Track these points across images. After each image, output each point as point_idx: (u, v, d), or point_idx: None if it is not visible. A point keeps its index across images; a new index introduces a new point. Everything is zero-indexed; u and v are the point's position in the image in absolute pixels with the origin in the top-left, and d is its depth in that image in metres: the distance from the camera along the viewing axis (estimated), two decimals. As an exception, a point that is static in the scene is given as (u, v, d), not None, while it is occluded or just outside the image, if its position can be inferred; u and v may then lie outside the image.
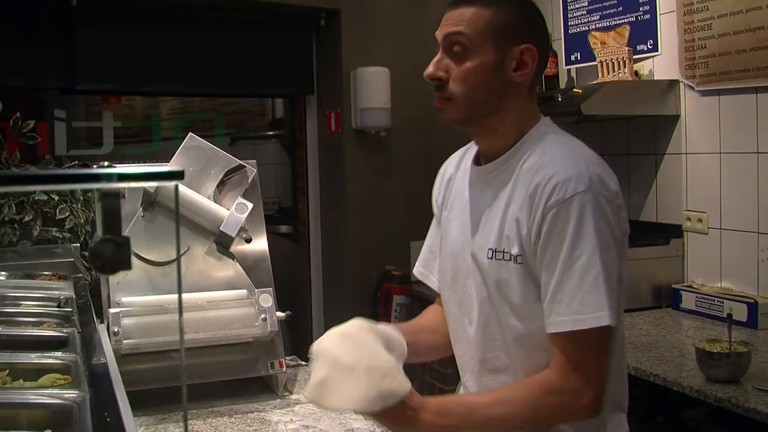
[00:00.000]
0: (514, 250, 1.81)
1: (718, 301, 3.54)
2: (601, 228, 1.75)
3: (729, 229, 3.71)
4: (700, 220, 3.83)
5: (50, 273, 2.92)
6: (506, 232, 1.84)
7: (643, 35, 4.10)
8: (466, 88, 1.86)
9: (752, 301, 3.41)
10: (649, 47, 4.07)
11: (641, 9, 4.12)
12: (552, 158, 1.83)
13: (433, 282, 2.24)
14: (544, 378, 1.78)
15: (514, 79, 1.87)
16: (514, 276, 1.82)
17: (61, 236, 3.51)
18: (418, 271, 2.32)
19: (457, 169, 2.14)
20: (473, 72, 1.85)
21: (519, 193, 1.83)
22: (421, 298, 4.50)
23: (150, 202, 2.70)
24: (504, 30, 1.86)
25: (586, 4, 4.47)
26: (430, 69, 1.91)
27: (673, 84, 3.91)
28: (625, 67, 3.94)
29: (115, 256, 0.88)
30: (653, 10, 4.05)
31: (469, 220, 1.96)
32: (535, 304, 1.80)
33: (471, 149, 2.11)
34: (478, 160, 2.02)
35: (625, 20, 4.18)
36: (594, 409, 1.77)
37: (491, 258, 1.86)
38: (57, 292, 2.57)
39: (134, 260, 2.53)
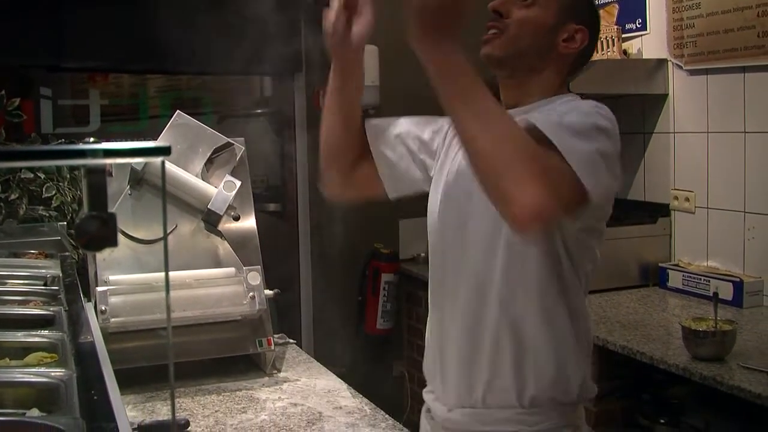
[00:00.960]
0: None
1: (704, 279, 3.56)
2: (606, 126, 1.85)
3: (716, 208, 3.72)
4: (687, 199, 3.85)
5: (37, 252, 2.91)
6: None
7: (632, 14, 4.10)
8: (519, 31, 1.92)
9: (738, 279, 3.43)
10: (638, 26, 4.07)
11: (630, -13, 4.13)
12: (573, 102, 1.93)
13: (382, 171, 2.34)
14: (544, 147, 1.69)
15: (559, 48, 1.94)
16: None
17: (47, 215, 3.50)
18: (367, 128, 2.40)
19: None
20: (532, 21, 1.91)
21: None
22: (409, 276, 4.52)
23: (137, 179, 2.70)
24: (568, 6, 1.95)
25: (575, -18, 4.46)
26: (495, 2, 1.97)
27: (661, 63, 3.92)
28: (613, 45, 3.94)
29: (100, 232, 0.87)
30: (642, -11, 4.05)
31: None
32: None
33: None
34: None
35: (614, -1, 4.19)
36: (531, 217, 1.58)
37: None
38: (43, 271, 2.56)
39: (121, 238, 2.53)
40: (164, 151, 0.84)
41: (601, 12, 4.08)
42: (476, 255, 1.91)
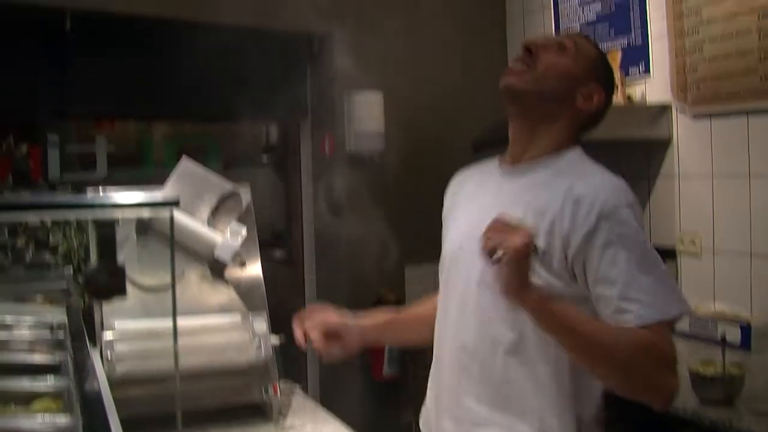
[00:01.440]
0: (540, 242, 1.82)
1: (711, 323, 3.54)
2: (647, 239, 1.87)
3: (722, 251, 3.72)
4: (693, 243, 3.84)
5: (43, 297, 2.91)
6: (528, 221, 1.84)
7: (636, 59, 4.12)
8: (546, 72, 1.98)
9: (746, 323, 3.41)
10: (641, 71, 4.10)
11: (633, 33, 4.15)
12: (597, 174, 1.97)
13: None
14: (647, 336, 1.76)
15: (577, 102, 2.00)
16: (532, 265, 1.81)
17: (54, 261, 3.50)
18: None
19: (469, 177, 2.29)
20: (560, 67, 1.98)
21: (554, 194, 1.88)
22: (415, 322, 4.50)
23: (144, 226, 2.71)
24: (594, 67, 2.03)
25: (579, 28, 4.50)
26: (530, 39, 2.05)
27: (665, 108, 3.93)
28: (617, 90, 3.95)
29: (110, 282, 0.88)
30: (645, 34, 4.08)
31: (491, 209, 1.91)
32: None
33: (489, 162, 2.22)
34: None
35: (617, 44, 4.21)
36: (672, 398, 1.81)
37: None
38: (49, 317, 2.55)
39: (128, 285, 2.53)
40: (172, 203, 0.85)
41: (605, 57, 4.10)
42: (484, 315, 1.96)
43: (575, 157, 2.01)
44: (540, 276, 1.81)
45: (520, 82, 1.98)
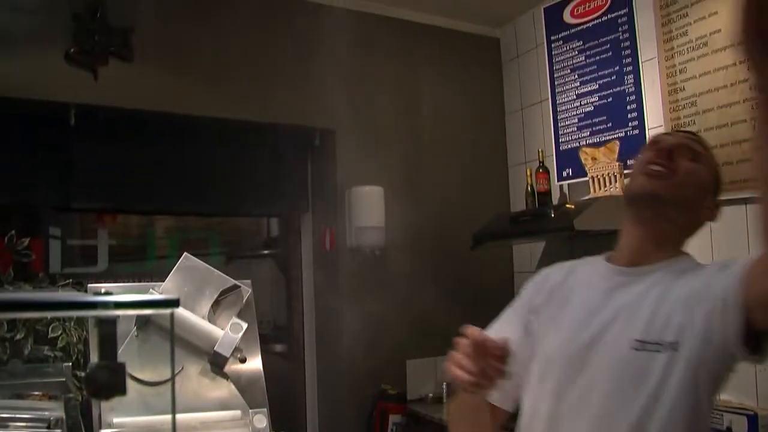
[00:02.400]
0: (669, 339, 1.76)
1: (717, 414, 3.50)
2: None
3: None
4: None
5: (40, 393, 2.89)
6: (658, 324, 1.79)
7: (633, 150, 4.14)
8: (686, 180, 1.92)
9: (752, 413, 3.38)
10: (639, 162, 4.12)
11: (630, 124, 4.19)
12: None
13: (492, 395, 2.07)
14: None
15: (701, 213, 1.98)
16: (661, 367, 1.75)
17: (52, 355, 3.49)
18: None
19: (567, 277, 2.14)
20: (698, 175, 1.94)
21: (678, 291, 1.82)
22: (417, 417, 4.45)
23: (144, 321, 2.70)
24: (717, 180, 2.01)
25: (577, 120, 4.55)
26: (670, 142, 1.98)
27: (663, 198, 3.94)
28: (616, 182, 3.98)
29: (110, 381, 0.88)
30: (642, 125, 4.12)
31: (604, 316, 1.89)
32: (679, 396, 1.74)
33: (584, 263, 2.17)
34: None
35: (615, 136, 4.25)
36: None
37: (638, 349, 1.79)
38: (47, 413, 2.54)
39: (127, 380, 2.52)
40: (173, 303, 0.85)
41: (602, 149, 4.14)
42: (606, 419, 1.83)
43: (692, 260, 1.97)
44: (665, 371, 1.75)
45: (663, 189, 1.91)
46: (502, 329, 2.12)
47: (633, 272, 1.95)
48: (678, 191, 1.90)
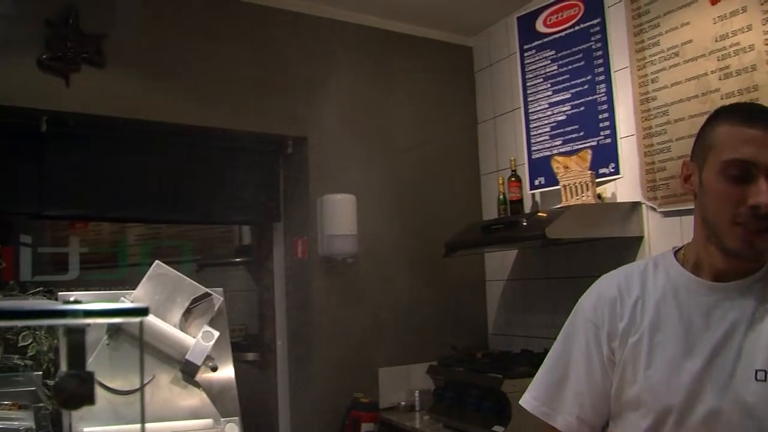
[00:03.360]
0: None
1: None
2: None
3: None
4: None
5: (10, 402, 2.86)
6: None
7: (605, 159, 4.17)
8: None
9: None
10: (611, 170, 4.14)
11: (602, 133, 4.21)
12: None
13: (559, 421, 2.00)
14: None
15: None
16: None
17: (23, 364, 3.46)
18: (539, 410, 2.05)
19: (643, 290, 1.95)
20: None
21: None
22: (390, 425, 4.45)
23: (116, 329, 2.68)
24: None
25: (549, 129, 4.57)
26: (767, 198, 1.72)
27: (635, 206, 3.97)
28: (588, 190, 3.99)
29: (79, 391, 0.87)
30: (614, 134, 4.14)
31: (711, 339, 1.79)
32: None
33: (652, 268, 1.99)
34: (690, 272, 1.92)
35: (587, 144, 4.27)
36: None
37: (764, 380, 1.69)
38: (17, 423, 2.51)
39: (97, 388, 2.50)
40: (142, 312, 0.85)
41: (575, 158, 4.16)
42: None
43: None
44: None
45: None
46: (581, 368, 2.00)
47: (730, 288, 1.83)
48: None
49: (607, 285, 2.03)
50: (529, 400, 2.07)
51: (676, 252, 1.97)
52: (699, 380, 1.77)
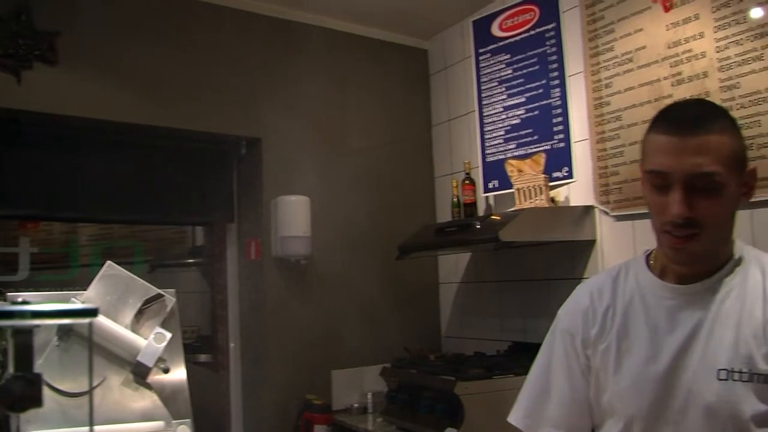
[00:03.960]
0: (762, 369, 1.69)
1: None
2: None
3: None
4: None
5: (-42, 406, 2.81)
6: (744, 351, 1.72)
7: (559, 163, 4.20)
8: (716, 223, 1.77)
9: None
10: (565, 174, 4.17)
11: (556, 137, 4.24)
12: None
13: None
14: None
15: (739, 203, 1.83)
16: (754, 396, 1.69)
17: (-30, 366, 3.40)
18: (523, 422, 2.09)
19: (614, 297, 2.00)
20: (724, 206, 1.78)
21: (754, 308, 1.76)
22: (342, 427, 4.44)
23: (66, 330, 2.65)
24: (740, 156, 1.80)
25: (503, 133, 4.59)
26: (679, 209, 1.75)
27: (588, 209, 4.00)
28: (541, 193, 4.02)
29: (26, 393, 0.85)
30: (567, 139, 4.17)
31: (675, 341, 1.82)
32: None
33: (623, 274, 2.03)
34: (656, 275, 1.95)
35: (541, 148, 4.29)
36: None
37: (726, 379, 1.72)
38: (-37, 427, 2.48)
39: (47, 391, 2.46)
40: (91, 313, 0.84)
41: (528, 161, 4.18)
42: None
43: (750, 254, 1.87)
44: (761, 400, 1.69)
45: (695, 249, 1.79)
46: (561, 378, 2.06)
47: (692, 290, 1.86)
48: (715, 236, 1.80)
49: (581, 294, 2.08)
50: (514, 414, 2.11)
51: (648, 256, 2.01)
52: (665, 383, 1.81)
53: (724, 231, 1.82)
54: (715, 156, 1.73)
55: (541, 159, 4.14)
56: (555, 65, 4.29)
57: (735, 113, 3.27)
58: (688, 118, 1.79)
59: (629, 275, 2.01)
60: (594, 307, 2.01)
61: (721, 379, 1.73)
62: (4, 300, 2.91)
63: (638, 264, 2.01)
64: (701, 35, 3.47)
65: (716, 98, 3.37)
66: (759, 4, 3.24)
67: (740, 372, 1.71)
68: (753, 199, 3.09)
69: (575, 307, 2.07)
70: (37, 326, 2.24)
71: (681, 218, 1.74)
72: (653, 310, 1.90)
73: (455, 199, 4.67)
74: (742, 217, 3.25)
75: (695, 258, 1.82)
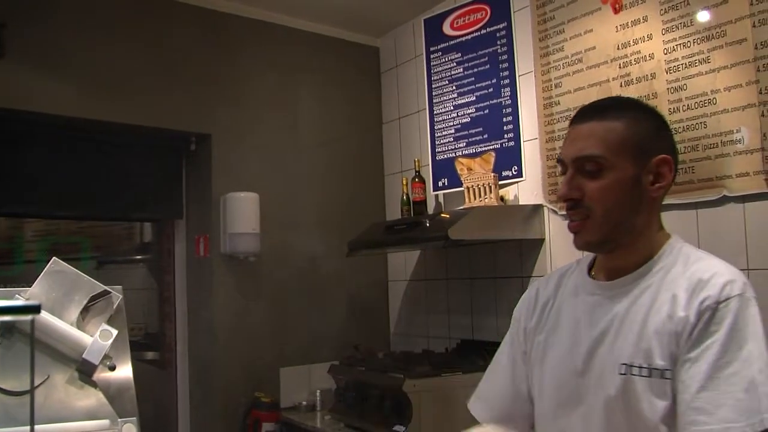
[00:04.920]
0: (659, 363, 1.71)
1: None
2: (756, 330, 1.66)
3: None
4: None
5: None
6: (644, 346, 1.74)
7: (508, 162, 4.22)
8: (604, 206, 1.81)
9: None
10: (514, 173, 4.19)
11: (506, 136, 4.26)
12: (698, 264, 1.79)
13: (477, 411, 2.14)
14: None
15: (651, 194, 1.84)
16: (652, 392, 1.71)
17: None
18: (471, 405, 2.17)
19: (556, 291, 2.06)
20: (610, 189, 1.81)
21: (663, 303, 1.76)
22: (291, 425, 4.43)
23: (8, 327, 2.61)
24: (641, 142, 1.82)
25: (453, 131, 4.60)
26: (563, 189, 1.86)
27: (537, 208, 4.03)
28: (491, 192, 4.03)
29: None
30: (517, 138, 4.19)
31: (590, 337, 1.86)
32: (672, 422, 1.69)
33: (574, 270, 2.07)
34: (591, 274, 1.99)
35: (491, 147, 4.31)
36: None
37: (625, 374, 1.75)
38: None
39: (-10, 389, 2.43)
40: (33, 310, 0.82)
41: (478, 160, 4.19)
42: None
43: (675, 249, 1.87)
44: (654, 396, 1.71)
45: (591, 235, 1.85)
46: (504, 363, 2.15)
47: (613, 286, 1.89)
48: (607, 221, 1.83)
49: (532, 286, 2.16)
50: (474, 403, 2.19)
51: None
52: (579, 378, 1.86)
53: (621, 216, 1.83)
54: (599, 140, 1.80)
55: (491, 158, 4.16)
56: (506, 65, 4.31)
57: (682, 114, 3.32)
58: (586, 109, 1.90)
59: (576, 271, 2.05)
60: (537, 299, 2.09)
61: (620, 374, 1.76)
62: (-54, 296, 2.86)
63: (583, 261, 2.05)
64: (650, 37, 3.51)
65: (664, 99, 3.41)
66: (706, 8, 3.28)
67: (639, 367, 1.73)
68: (698, 199, 3.14)
69: (526, 295, 2.16)
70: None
71: (564, 197, 1.85)
72: (579, 306, 1.94)
73: (405, 197, 4.68)
74: (687, 216, 3.31)
75: (593, 243, 1.87)
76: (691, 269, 1.78)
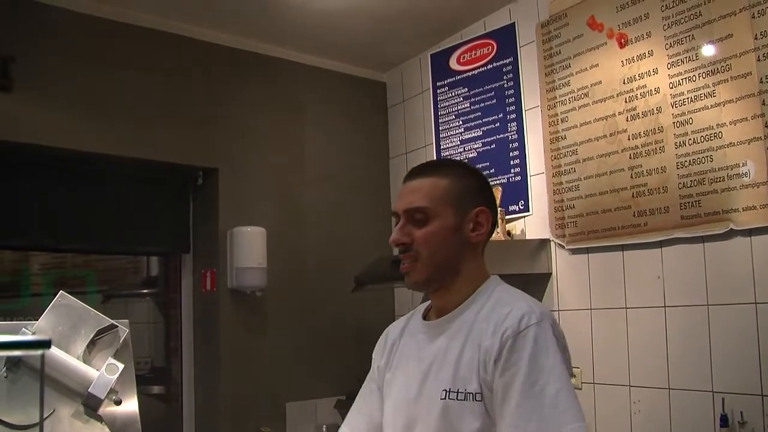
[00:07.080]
0: (472, 388, 1.90)
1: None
2: (555, 353, 1.87)
3: (601, 383, 3.76)
4: (573, 376, 3.87)
5: None
6: (462, 374, 1.94)
7: (515, 196, 4.22)
8: (430, 249, 2.04)
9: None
10: (521, 207, 4.19)
11: (513, 171, 4.27)
12: (505, 300, 2.01)
13: None
14: None
15: (471, 240, 2.07)
16: (468, 413, 1.89)
17: None
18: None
19: (401, 334, 2.26)
20: (435, 234, 2.04)
21: (475, 336, 1.95)
22: (296, 459, 4.41)
23: (15, 361, 2.60)
24: (461, 196, 2.07)
25: (460, 165, 4.60)
26: (394, 235, 2.10)
27: (544, 243, 4.02)
28: (497, 226, 4.03)
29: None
30: (524, 172, 4.20)
31: (420, 370, 2.06)
32: None
33: (415, 314, 2.28)
34: (427, 316, 2.20)
35: (498, 182, 4.31)
36: None
37: (445, 398, 1.94)
38: None
39: (-6, 424, 2.42)
40: (44, 345, 0.82)
41: (485, 194, 4.19)
42: None
43: (489, 289, 2.10)
44: (473, 417, 1.90)
45: (418, 275, 2.07)
46: (364, 394, 2.36)
47: (438, 324, 2.10)
48: (432, 263, 2.05)
49: (388, 328, 2.39)
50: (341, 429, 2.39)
51: None
52: (413, 405, 2.06)
53: (445, 258, 2.06)
54: (426, 194, 2.06)
55: (498, 192, 4.16)
56: (512, 99, 4.32)
57: (688, 148, 3.33)
58: (416, 168, 2.18)
59: (416, 314, 2.27)
60: (387, 341, 2.33)
61: (441, 399, 1.95)
62: (-47, 330, 2.86)
63: (424, 305, 2.27)
64: (655, 71, 3.52)
65: (670, 133, 3.42)
66: (710, 42, 3.29)
67: (456, 392, 1.93)
68: (705, 233, 3.14)
69: (381, 337, 2.39)
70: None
71: (396, 242, 2.09)
72: (413, 344, 2.17)
73: (412, 231, 4.66)
74: (694, 250, 3.31)
75: (420, 282, 2.09)
76: (498, 306, 1.99)
